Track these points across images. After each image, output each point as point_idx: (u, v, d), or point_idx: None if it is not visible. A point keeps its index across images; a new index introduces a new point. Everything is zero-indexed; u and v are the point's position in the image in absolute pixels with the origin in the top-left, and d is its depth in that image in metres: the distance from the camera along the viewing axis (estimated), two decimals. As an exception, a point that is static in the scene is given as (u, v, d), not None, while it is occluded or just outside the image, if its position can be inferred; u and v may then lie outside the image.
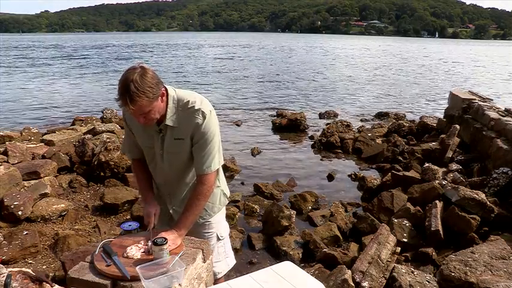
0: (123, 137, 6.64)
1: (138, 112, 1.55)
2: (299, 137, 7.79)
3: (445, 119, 6.66)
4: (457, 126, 5.38)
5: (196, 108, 1.69)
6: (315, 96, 13.18)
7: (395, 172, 4.53)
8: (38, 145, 5.87)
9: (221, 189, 1.99)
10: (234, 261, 2.13)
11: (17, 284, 1.29)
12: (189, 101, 1.71)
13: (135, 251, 1.58)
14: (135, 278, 1.42)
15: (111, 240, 1.68)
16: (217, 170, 1.86)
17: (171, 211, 1.91)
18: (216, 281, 1.94)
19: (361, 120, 9.36)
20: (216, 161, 1.78)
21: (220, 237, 2.00)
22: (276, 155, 6.64)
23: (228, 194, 2.07)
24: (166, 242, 1.50)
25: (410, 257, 3.15)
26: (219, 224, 2.00)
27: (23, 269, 1.41)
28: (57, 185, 4.60)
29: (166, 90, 1.68)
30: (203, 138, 1.72)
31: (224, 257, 2.04)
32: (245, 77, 18.02)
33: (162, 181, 1.89)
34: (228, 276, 2.05)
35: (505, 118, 4.83)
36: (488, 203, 3.31)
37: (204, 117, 1.70)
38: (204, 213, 1.92)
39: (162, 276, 1.39)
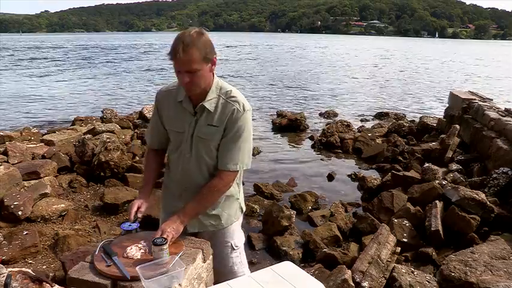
0: (123, 137, 6.64)
1: (187, 66, 1.53)
2: (299, 137, 7.79)
3: (445, 119, 6.66)
4: (457, 126, 5.39)
5: (238, 99, 1.69)
6: (315, 96, 13.18)
7: (395, 172, 4.53)
8: (38, 145, 5.86)
9: (239, 202, 1.95)
10: (249, 272, 2.01)
11: (17, 284, 1.29)
12: (231, 91, 1.71)
13: (135, 251, 1.58)
14: (135, 278, 1.42)
15: (111, 240, 1.68)
16: (239, 176, 1.82)
17: None
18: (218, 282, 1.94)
19: (361, 120, 9.35)
20: (244, 161, 1.73)
21: (235, 247, 1.94)
22: (276, 155, 6.64)
23: (244, 209, 2.02)
24: (166, 242, 1.50)
25: (410, 257, 3.15)
26: (233, 234, 1.94)
27: (23, 269, 1.41)
28: (57, 185, 4.59)
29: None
30: (236, 130, 1.67)
31: (240, 267, 1.97)
32: (245, 77, 18.03)
33: (182, 173, 1.79)
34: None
35: (505, 118, 4.83)
36: (488, 203, 3.31)
37: (244, 110, 1.68)
38: (219, 222, 1.86)
39: (162, 276, 1.39)
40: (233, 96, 1.69)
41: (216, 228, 1.87)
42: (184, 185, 1.81)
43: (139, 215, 1.74)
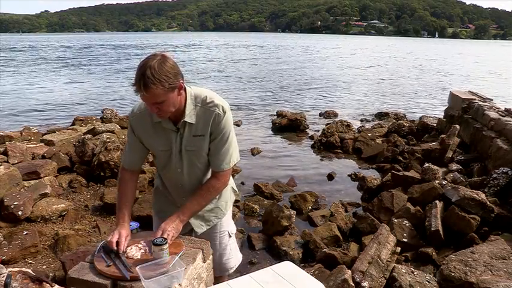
0: (123, 137, 6.64)
1: (152, 100, 1.50)
2: (299, 137, 7.78)
3: (445, 119, 6.66)
4: (457, 126, 5.38)
5: (216, 103, 1.68)
6: (315, 96, 13.18)
7: (395, 172, 4.53)
8: (38, 145, 5.86)
9: (231, 186, 2.02)
10: (241, 255, 2.18)
11: (17, 284, 1.29)
12: (207, 97, 1.69)
13: (135, 251, 1.58)
14: (135, 279, 1.42)
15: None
16: None
17: None
18: (221, 278, 1.98)
19: (361, 120, 9.35)
20: (234, 157, 1.78)
21: (231, 234, 2.03)
22: (276, 155, 6.64)
23: (236, 189, 2.10)
24: (166, 242, 1.50)
25: (410, 257, 3.14)
26: (229, 221, 2.03)
27: (23, 269, 1.40)
28: (57, 185, 4.59)
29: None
30: (223, 134, 1.70)
31: (235, 253, 2.09)
32: (244, 77, 18.02)
33: (179, 185, 1.84)
34: (228, 276, 2.07)
35: (505, 118, 4.82)
36: (488, 203, 3.30)
37: (224, 112, 1.68)
38: (220, 212, 1.94)
39: (162, 276, 1.39)
40: (210, 102, 1.68)
41: (219, 218, 1.94)
42: (178, 191, 1.86)
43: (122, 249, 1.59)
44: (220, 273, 2.02)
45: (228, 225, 2.01)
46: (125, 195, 1.81)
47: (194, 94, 1.69)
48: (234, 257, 2.07)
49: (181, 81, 1.57)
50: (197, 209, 1.75)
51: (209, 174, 1.83)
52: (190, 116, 1.66)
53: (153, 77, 1.45)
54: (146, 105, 1.60)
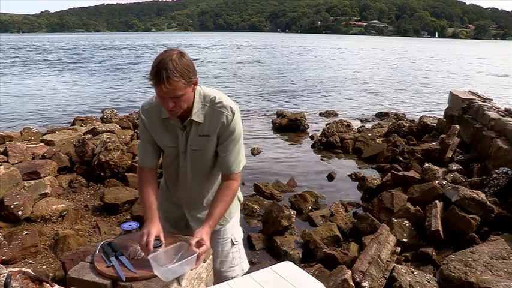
0: (123, 137, 6.63)
1: (172, 93, 1.47)
2: (299, 137, 7.79)
3: (445, 119, 6.66)
4: (457, 126, 5.38)
5: (225, 104, 1.65)
6: (315, 96, 13.19)
7: (395, 172, 4.53)
8: (38, 145, 5.87)
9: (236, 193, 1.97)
10: (248, 266, 2.08)
11: (17, 284, 1.29)
12: (215, 97, 1.66)
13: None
14: (134, 279, 1.42)
15: (112, 241, 1.68)
16: None
17: (188, 217, 1.85)
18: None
19: (361, 120, 9.35)
20: (243, 158, 1.78)
21: (235, 242, 1.96)
22: (276, 155, 6.64)
23: (242, 198, 2.04)
24: (162, 245, 1.50)
25: (410, 257, 3.15)
26: (233, 229, 1.96)
27: (23, 269, 1.40)
28: (57, 185, 4.59)
29: None
30: (233, 136, 1.68)
31: (239, 262, 2.00)
32: (244, 77, 18.02)
33: (182, 185, 1.80)
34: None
35: (505, 118, 4.82)
36: (488, 203, 3.30)
37: (233, 113, 1.66)
38: (223, 219, 1.87)
39: (176, 265, 1.40)
40: (219, 102, 1.65)
41: (221, 224, 1.88)
42: (186, 195, 1.82)
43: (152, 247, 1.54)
44: (219, 280, 1.97)
45: (232, 232, 1.95)
46: (147, 192, 1.73)
47: (203, 93, 1.67)
48: (237, 266, 1.98)
49: (196, 77, 1.57)
50: (222, 213, 1.71)
51: (212, 176, 1.80)
52: (197, 115, 1.64)
53: (176, 70, 1.44)
54: (159, 101, 1.57)
